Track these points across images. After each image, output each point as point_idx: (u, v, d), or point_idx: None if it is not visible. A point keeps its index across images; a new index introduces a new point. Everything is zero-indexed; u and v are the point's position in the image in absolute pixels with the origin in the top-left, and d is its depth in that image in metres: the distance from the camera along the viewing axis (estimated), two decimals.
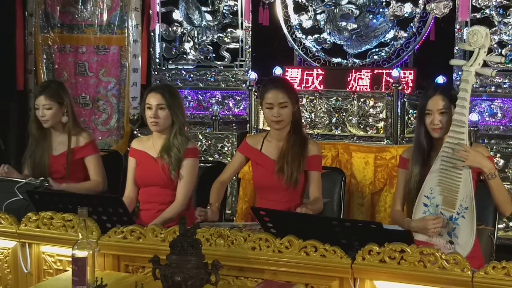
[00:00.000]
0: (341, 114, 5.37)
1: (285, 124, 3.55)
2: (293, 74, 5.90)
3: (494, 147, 5.11)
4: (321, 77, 5.89)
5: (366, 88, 5.69)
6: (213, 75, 6.47)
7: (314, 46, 6.06)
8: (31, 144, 4.05)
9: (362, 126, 5.31)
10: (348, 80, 5.81)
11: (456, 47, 5.52)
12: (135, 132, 6.29)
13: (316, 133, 5.41)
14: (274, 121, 3.53)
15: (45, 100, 3.94)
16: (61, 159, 3.97)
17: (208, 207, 3.41)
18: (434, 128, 3.18)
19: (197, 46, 6.51)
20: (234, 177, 5.41)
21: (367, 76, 5.78)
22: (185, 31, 6.53)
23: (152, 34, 6.59)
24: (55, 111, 3.96)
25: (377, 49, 5.89)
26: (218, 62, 6.48)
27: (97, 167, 4.00)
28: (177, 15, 6.52)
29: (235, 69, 6.41)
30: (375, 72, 5.77)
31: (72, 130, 4.01)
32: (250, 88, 5.64)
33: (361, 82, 5.78)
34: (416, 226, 3.11)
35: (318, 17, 6.03)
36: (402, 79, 5.39)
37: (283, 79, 3.98)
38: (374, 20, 5.83)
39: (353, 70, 5.84)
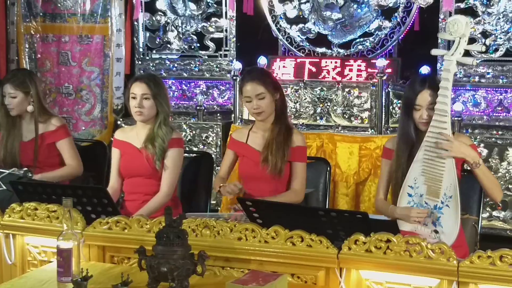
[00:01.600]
0: (325, 104, 5.37)
1: (267, 115, 3.57)
2: None
3: (478, 137, 5.14)
4: None
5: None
6: (197, 65, 6.44)
7: (298, 36, 6.05)
8: (3, 132, 4.03)
9: (346, 116, 5.32)
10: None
11: (439, 37, 5.52)
12: (118, 122, 6.26)
13: (300, 123, 5.41)
14: (255, 113, 3.55)
15: (10, 89, 3.96)
16: (30, 145, 3.97)
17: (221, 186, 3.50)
18: (422, 122, 3.17)
19: (181, 36, 6.47)
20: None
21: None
22: (169, 21, 6.49)
23: (135, 23, 6.55)
24: (20, 100, 3.96)
25: (361, 39, 5.89)
26: (202, 52, 6.45)
27: (71, 150, 3.99)
28: (160, 4, 6.48)
29: (220, 58, 6.39)
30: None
31: (41, 118, 4.01)
32: (234, 78, 5.62)
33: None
34: (400, 213, 3.13)
35: (303, 6, 6.02)
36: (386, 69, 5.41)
37: (259, 69, 3.91)
38: (359, 10, 5.82)
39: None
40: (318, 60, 5.80)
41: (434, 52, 3.40)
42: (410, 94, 3.22)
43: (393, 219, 3.14)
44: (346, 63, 5.67)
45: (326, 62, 5.75)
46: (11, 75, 4.08)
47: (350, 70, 5.64)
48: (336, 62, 5.72)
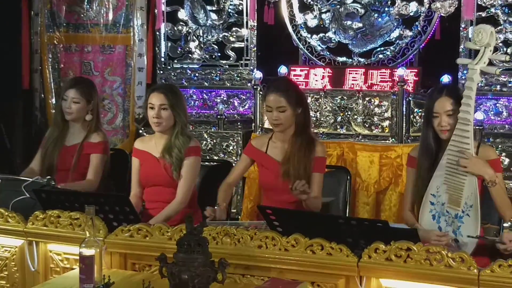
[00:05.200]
0: (346, 113, 5.37)
1: (285, 127, 3.56)
2: None
3: (499, 146, 5.10)
4: None
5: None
6: (218, 74, 6.47)
7: (319, 45, 6.06)
8: (51, 133, 4.10)
9: (367, 125, 5.31)
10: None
11: (462, 46, 5.51)
12: (140, 131, 6.30)
13: (321, 132, 5.42)
14: (274, 124, 3.55)
15: (75, 94, 4.02)
16: (71, 150, 4.02)
17: (216, 207, 3.43)
18: (442, 130, 3.17)
19: (202, 45, 6.51)
20: None
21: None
22: (190, 30, 6.53)
23: (157, 33, 6.59)
24: (81, 107, 4.03)
25: (382, 48, 5.88)
26: (223, 61, 6.48)
27: (98, 167, 4.01)
28: (182, 14, 6.52)
29: (240, 68, 6.41)
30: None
31: (92, 128, 4.05)
32: (255, 87, 5.64)
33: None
34: (421, 235, 3.09)
35: (323, 16, 6.03)
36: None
37: (286, 81, 3.88)
38: (379, 19, 5.82)
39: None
40: (338, 69, 5.80)
41: (459, 61, 3.41)
42: (429, 102, 3.24)
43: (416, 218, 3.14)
44: (367, 72, 5.67)
45: (346, 71, 5.75)
46: (76, 82, 4.17)
47: (371, 79, 5.64)
48: (356, 71, 5.72)
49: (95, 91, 4.14)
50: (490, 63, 3.18)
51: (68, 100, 4.01)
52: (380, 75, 5.68)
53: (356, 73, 5.76)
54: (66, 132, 4.09)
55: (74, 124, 4.09)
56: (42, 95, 6.70)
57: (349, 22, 5.89)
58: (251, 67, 6.30)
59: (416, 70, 5.66)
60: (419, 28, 5.75)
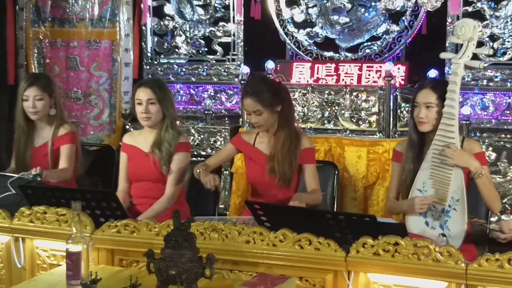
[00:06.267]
0: (333, 108, 5.37)
1: (266, 128, 3.57)
2: None
3: (486, 141, 5.12)
4: None
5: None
6: (205, 69, 6.45)
7: (306, 40, 6.05)
8: (19, 136, 4.04)
9: (354, 120, 5.31)
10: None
11: (448, 41, 5.53)
12: (127, 127, 6.27)
13: (308, 127, 5.41)
14: (256, 126, 3.57)
15: (36, 91, 3.96)
16: (42, 150, 3.98)
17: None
18: (419, 121, 3.18)
19: (189, 40, 6.49)
20: (227, 172, 5.43)
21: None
22: (176, 25, 6.51)
23: (143, 28, 6.56)
24: (46, 102, 3.99)
25: (369, 43, 5.88)
26: (210, 56, 6.46)
27: (68, 156, 3.97)
28: (168, 9, 6.49)
29: (227, 63, 6.40)
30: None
31: (57, 122, 4.01)
32: (242, 82, 5.62)
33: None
34: (406, 204, 3.16)
35: (310, 10, 6.02)
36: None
37: (260, 82, 3.63)
38: (366, 14, 5.82)
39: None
40: (325, 64, 5.81)
41: (442, 55, 3.41)
42: (414, 93, 3.26)
43: (402, 214, 3.16)
44: (354, 67, 5.68)
45: (333, 66, 5.75)
46: (33, 79, 4.07)
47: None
48: (343, 66, 5.73)
49: (53, 84, 4.10)
50: (475, 57, 3.19)
51: (30, 99, 3.95)
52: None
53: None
54: (32, 133, 4.04)
55: (39, 122, 4.04)
56: None
57: (336, 17, 5.88)
58: (238, 62, 6.28)
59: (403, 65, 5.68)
60: (405, 23, 5.75)
